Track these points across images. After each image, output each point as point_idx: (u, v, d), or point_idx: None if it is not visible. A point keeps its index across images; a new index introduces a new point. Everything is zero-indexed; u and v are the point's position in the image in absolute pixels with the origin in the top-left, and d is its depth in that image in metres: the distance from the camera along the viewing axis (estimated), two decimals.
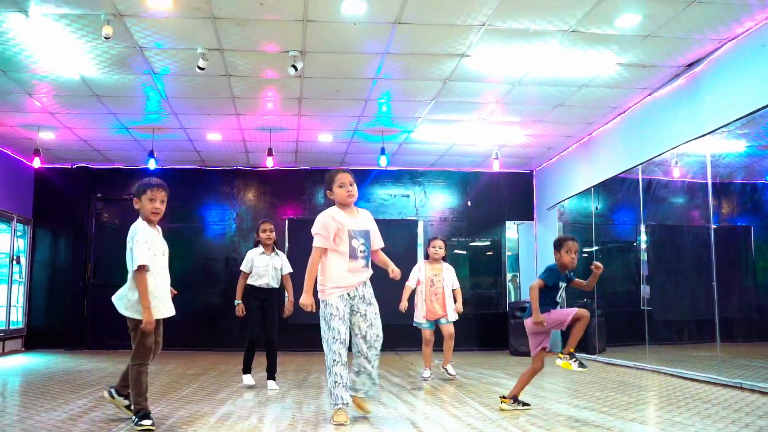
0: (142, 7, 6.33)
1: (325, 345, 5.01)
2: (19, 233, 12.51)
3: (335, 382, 4.92)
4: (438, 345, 8.22)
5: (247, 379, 7.29)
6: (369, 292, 5.16)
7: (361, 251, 5.10)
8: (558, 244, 5.45)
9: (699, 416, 5.18)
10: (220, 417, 5.25)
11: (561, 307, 5.43)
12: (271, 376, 7.23)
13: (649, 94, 8.81)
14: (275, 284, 7.28)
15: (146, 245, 4.72)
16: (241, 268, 7.34)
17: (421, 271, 8.15)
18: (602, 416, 5.22)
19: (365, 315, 5.08)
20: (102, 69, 7.95)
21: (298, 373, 8.54)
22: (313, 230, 5.13)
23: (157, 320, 4.80)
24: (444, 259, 8.28)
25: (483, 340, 12.88)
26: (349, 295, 5.07)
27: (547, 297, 5.37)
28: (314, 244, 5.11)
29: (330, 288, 5.04)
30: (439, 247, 8.17)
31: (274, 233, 7.38)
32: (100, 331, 12.38)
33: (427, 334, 8.09)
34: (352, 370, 5.14)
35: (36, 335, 12.64)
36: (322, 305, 5.05)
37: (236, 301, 7.29)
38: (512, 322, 11.84)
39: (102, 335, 12.33)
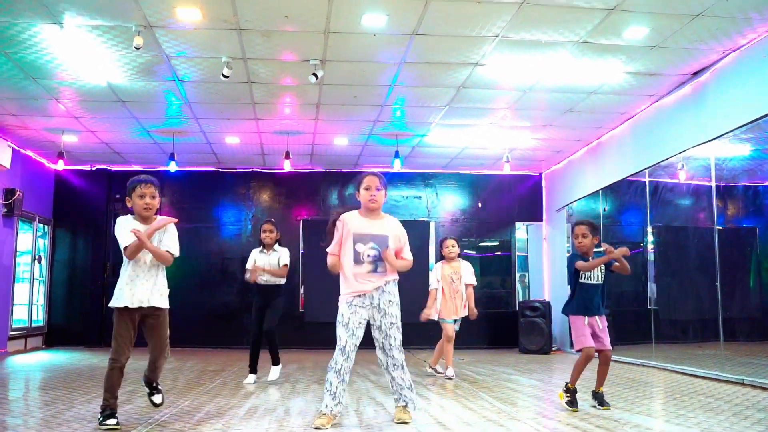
0: (172, 19, 6.65)
1: None
2: (39, 233, 12.86)
3: (326, 388, 4.90)
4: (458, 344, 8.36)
5: (249, 379, 7.46)
6: (386, 299, 5.01)
7: (367, 256, 4.99)
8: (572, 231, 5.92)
9: (702, 409, 5.46)
10: (248, 410, 5.54)
11: (600, 285, 5.65)
12: (275, 362, 7.51)
13: (656, 101, 9.09)
14: (274, 281, 7.48)
15: (125, 231, 4.78)
16: (246, 266, 7.60)
17: (437, 271, 8.29)
18: (613, 410, 5.50)
19: (380, 326, 4.99)
20: (129, 76, 8.27)
21: (316, 370, 8.80)
22: None
23: (132, 316, 4.81)
24: (459, 256, 8.45)
25: (493, 339, 13.13)
26: (362, 304, 4.97)
27: (577, 288, 5.67)
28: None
29: (342, 293, 5.03)
30: (451, 246, 8.32)
31: (273, 233, 7.55)
32: None
33: (450, 329, 8.07)
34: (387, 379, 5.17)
35: (56, 332, 13.00)
36: None
37: (246, 276, 7.49)
38: (521, 321, 12.12)
39: None
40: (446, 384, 7.42)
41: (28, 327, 12.28)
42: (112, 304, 4.80)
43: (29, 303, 12.40)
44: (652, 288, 9.68)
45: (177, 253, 4.99)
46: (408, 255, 5.20)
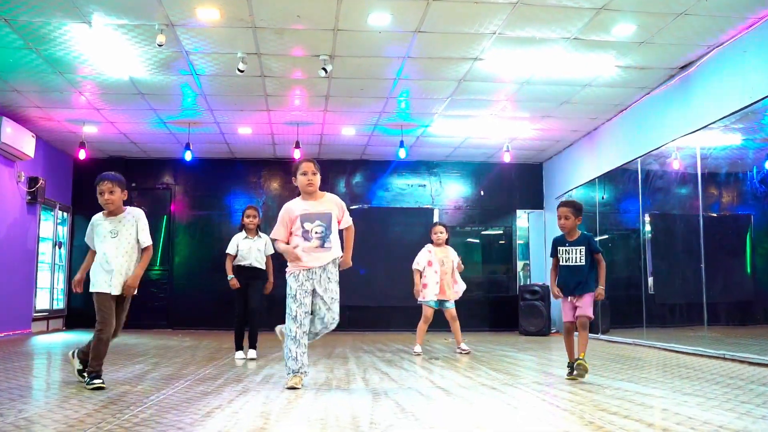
0: (193, 18, 7.17)
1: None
2: (59, 220, 13.41)
3: (287, 354, 5.38)
4: (441, 326, 8.77)
5: (238, 355, 7.67)
6: (327, 276, 5.43)
7: (315, 233, 5.40)
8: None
9: (680, 378, 5.97)
10: (264, 377, 6.06)
11: (579, 266, 5.96)
12: (252, 345, 7.71)
13: (647, 93, 9.58)
14: (259, 265, 7.74)
15: (90, 232, 5.58)
16: (227, 251, 7.79)
17: (431, 253, 8.61)
18: (595, 377, 6.01)
19: (323, 299, 5.39)
20: (149, 70, 8.80)
21: (325, 348, 9.30)
22: None
23: (110, 296, 5.57)
24: (447, 242, 8.78)
25: (494, 322, 13.67)
26: (308, 277, 5.38)
27: (560, 268, 6.10)
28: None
29: (289, 268, 5.45)
30: (440, 232, 8.65)
31: (257, 218, 7.84)
32: (133, 312, 13.15)
33: (429, 312, 8.48)
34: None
35: (75, 315, 13.54)
36: None
37: (229, 277, 7.71)
38: (522, 304, 12.62)
39: (135, 315, 13.08)
40: (449, 359, 7.92)
41: (50, 309, 12.86)
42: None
43: (51, 287, 12.97)
44: (649, 274, 10.08)
45: (150, 242, 5.67)
46: (348, 221, 5.62)
